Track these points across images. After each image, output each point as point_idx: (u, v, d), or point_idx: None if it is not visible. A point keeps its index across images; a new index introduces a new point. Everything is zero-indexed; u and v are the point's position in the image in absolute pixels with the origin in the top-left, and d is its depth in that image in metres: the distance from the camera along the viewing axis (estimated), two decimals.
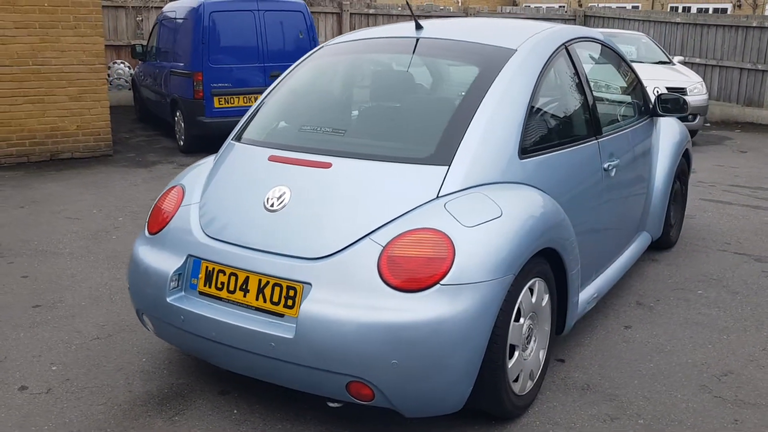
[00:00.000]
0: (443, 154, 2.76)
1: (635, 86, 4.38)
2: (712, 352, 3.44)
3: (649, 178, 4.38)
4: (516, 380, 2.77)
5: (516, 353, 2.73)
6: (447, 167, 2.72)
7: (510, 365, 2.69)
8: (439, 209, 2.59)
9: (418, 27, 3.41)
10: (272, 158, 2.94)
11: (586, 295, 3.40)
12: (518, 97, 2.99)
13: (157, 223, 3.00)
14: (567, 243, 2.95)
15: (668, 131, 4.68)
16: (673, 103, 4.32)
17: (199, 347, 2.76)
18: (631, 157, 3.94)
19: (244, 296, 2.63)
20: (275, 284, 2.57)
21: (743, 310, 3.93)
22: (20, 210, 5.83)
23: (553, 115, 3.29)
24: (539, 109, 3.14)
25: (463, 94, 3.00)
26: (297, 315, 2.47)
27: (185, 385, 3.07)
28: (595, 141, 3.45)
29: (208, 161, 3.30)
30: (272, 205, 2.73)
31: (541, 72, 3.14)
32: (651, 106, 4.40)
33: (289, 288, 2.55)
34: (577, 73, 3.48)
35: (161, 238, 2.93)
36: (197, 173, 3.20)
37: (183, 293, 2.77)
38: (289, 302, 2.54)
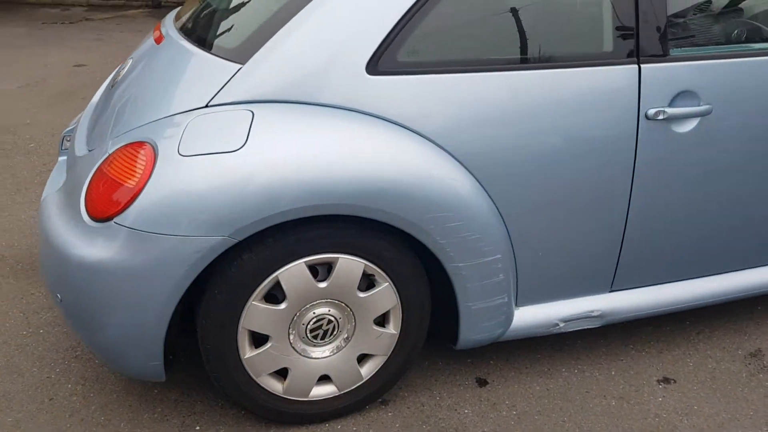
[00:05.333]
0: (247, 48, 1.96)
1: None
2: None
3: None
4: (284, 376, 2.02)
5: (269, 343, 1.95)
6: (239, 66, 1.93)
7: (251, 355, 1.95)
8: (181, 123, 1.90)
9: None
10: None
11: (554, 309, 2.18)
12: None
13: None
14: (436, 221, 1.89)
15: None
16: None
17: None
18: None
19: None
20: None
21: None
22: None
23: (499, 16, 1.96)
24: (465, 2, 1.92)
25: None
26: None
27: None
28: (634, 65, 2.01)
29: None
30: (114, 80, 2.40)
31: None
32: None
33: None
34: None
35: None
36: None
37: None
38: None
